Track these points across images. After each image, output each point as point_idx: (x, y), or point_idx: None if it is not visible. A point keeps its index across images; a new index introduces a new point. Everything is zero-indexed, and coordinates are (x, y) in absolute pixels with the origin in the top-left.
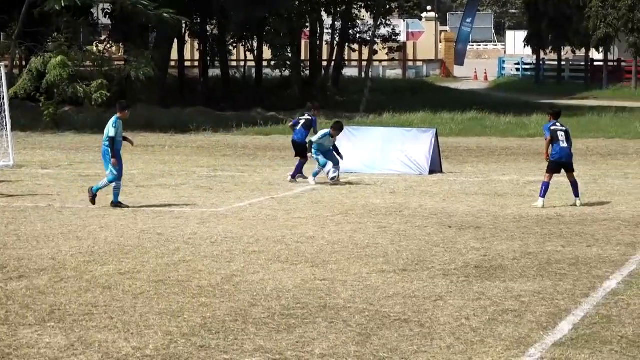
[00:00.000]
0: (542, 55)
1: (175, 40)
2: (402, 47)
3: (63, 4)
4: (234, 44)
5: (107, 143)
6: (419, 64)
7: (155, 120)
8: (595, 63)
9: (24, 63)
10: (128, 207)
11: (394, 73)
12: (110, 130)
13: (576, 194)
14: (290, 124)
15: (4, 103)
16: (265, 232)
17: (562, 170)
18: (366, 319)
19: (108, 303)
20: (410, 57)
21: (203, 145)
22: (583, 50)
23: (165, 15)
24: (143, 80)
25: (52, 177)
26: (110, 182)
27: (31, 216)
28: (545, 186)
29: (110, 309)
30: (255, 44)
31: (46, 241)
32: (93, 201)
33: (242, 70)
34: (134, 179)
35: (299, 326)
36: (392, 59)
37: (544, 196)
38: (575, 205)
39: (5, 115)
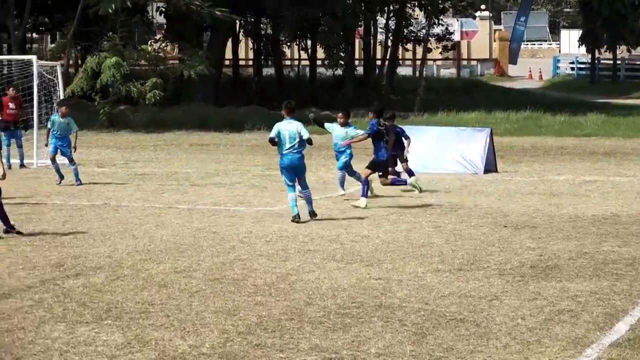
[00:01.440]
0: (597, 54)
1: (230, 40)
2: (456, 46)
3: (114, 7)
4: (288, 43)
5: None
6: (473, 63)
7: (210, 119)
8: None
9: (79, 62)
10: None
11: (448, 72)
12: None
13: None
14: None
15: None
16: (320, 231)
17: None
18: (422, 318)
19: (164, 301)
20: (465, 56)
21: (257, 144)
22: (639, 49)
23: (218, 14)
24: (197, 80)
25: (108, 175)
26: None
27: (88, 214)
28: None
29: (167, 307)
30: (309, 43)
31: (102, 239)
32: None
33: (296, 69)
34: (189, 177)
35: (355, 325)
36: (446, 58)
37: None
38: None
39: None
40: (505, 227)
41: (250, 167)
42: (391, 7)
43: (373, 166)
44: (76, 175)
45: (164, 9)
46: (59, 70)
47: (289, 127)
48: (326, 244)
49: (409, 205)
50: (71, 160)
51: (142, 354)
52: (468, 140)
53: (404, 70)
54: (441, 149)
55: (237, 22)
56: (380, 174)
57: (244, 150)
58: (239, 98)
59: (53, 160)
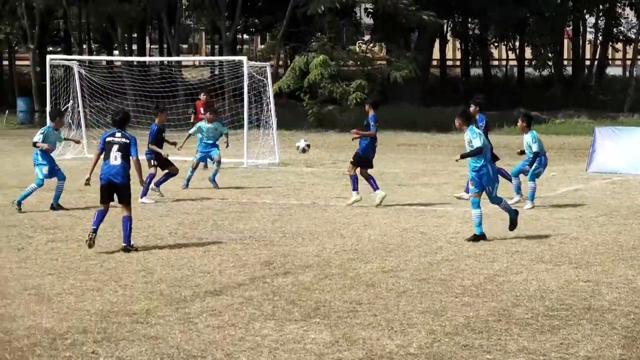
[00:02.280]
0: None
1: (437, 40)
2: None
3: (323, 8)
4: (496, 44)
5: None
6: None
7: (417, 120)
8: None
9: (288, 62)
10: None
11: None
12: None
13: None
14: None
15: (269, 102)
16: (527, 232)
17: None
18: (632, 321)
19: (372, 300)
20: None
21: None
22: None
23: (424, 17)
24: (403, 81)
25: (317, 175)
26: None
27: (296, 213)
28: None
29: (374, 307)
30: (516, 44)
31: (311, 238)
32: None
33: (504, 69)
34: (396, 177)
35: (563, 327)
36: None
37: None
38: None
39: (271, 114)
40: None
41: (458, 168)
42: (600, 7)
43: (359, 161)
44: (212, 176)
45: (371, 10)
46: (268, 70)
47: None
48: (534, 246)
49: (618, 207)
50: (219, 162)
51: (350, 353)
52: None
53: (613, 71)
54: None
55: (445, 22)
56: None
57: (451, 150)
58: (446, 98)
59: (195, 167)
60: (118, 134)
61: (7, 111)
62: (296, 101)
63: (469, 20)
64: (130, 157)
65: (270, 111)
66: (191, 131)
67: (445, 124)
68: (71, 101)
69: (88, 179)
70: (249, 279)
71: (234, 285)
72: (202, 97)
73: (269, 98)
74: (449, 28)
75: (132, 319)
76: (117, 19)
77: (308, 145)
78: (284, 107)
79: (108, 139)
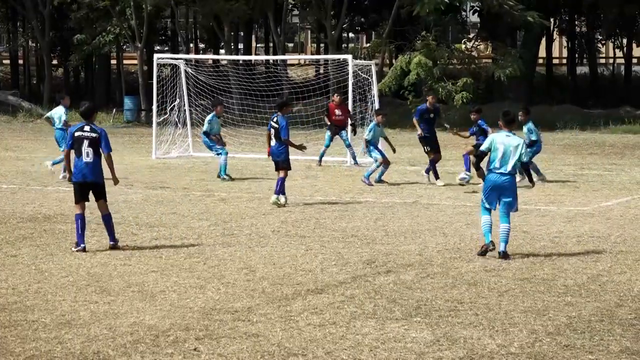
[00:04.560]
0: None
1: (543, 38)
2: None
3: (428, 10)
4: (603, 42)
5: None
6: None
7: None
8: None
9: (393, 61)
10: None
11: None
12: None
13: None
14: None
15: (374, 101)
16: (632, 232)
17: None
18: None
19: (473, 300)
20: None
21: (570, 143)
22: None
23: (530, 19)
24: (508, 79)
25: (420, 173)
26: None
27: (399, 212)
28: None
29: (476, 306)
30: (624, 41)
31: (413, 237)
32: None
33: (611, 67)
34: None
35: None
36: None
37: None
38: None
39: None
40: None
41: (563, 166)
42: None
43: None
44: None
45: (478, 8)
46: (373, 69)
47: (505, 141)
48: (639, 245)
49: None
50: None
51: (451, 352)
52: None
53: None
54: None
55: (552, 20)
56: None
57: (555, 149)
58: (552, 96)
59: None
60: (87, 128)
61: (114, 109)
62: (402, 100)
63: (576, 17)
64: (102, 153)
65: (374, 110)
66: (368, 137)
67: (551, 121)
68: (178, 100)
69: (69, 178)
70: (351, 277)
71: (336, 283)
72: (336, 98)
73: (373, 97)
74: (556, 26)
75: (233, 317)
76: (223, 18)
77: (470, 176)
78: (388, 106)
79: (77, 133)
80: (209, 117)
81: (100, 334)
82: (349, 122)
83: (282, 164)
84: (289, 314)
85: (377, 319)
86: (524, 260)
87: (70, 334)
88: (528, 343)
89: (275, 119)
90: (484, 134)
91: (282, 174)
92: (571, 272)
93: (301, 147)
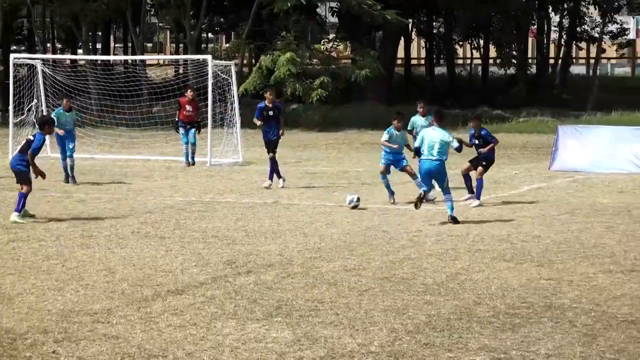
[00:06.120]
0: None
1: (402, 39)
2: (631, 44)
3: (289, 4)
4: (460, 42)
5: None
6: None
7: (382, 118)
8: None
9: (253, 61)
10: None
11: (623, 71)
12: None
13: None
14: None
15: (234, 101)
16: (490, 231)
17: None
18: (592, 319)
19: (334, 299)
20: None
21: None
22: None
23: (388, 17)
24: (367, 79)
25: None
26: None
27: (259, 212)
28: None
29: (336, 305)
30: (481, 42)
31: (273, 237)
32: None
33: (468, 68)
34: (360, 176)
35: (524, 325)
36: (621, 57)
37: None
38: None
39: (235, 113)
40: None
41: None
42: (565, 5)
43: None
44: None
45: (336, 9)
46: (233, 69)
47: (432, 134)
48: (496, 244)
49: (580, 205)
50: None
51: (312, 352)
52: None
53: (577, 69)
54: (614, 149)
55: (410, 21)
56: None
57: None
58: (411, 97)
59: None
60: None
61: None
62: (261, 100)
63: (434, 18)
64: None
65: (235, 110)
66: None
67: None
68: (35, 100)
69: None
70: (211, 278)
71: (196, 284)
72: (189, 93)
73: (233, 97)
74: (414, 27)
75: (93, 319)
76: (81, 18)
77: (358, 199)
78: (248, 107)
79: None
80: (54, 112)
81: None
82: (197, 120)
83: (21, 176)
84: (149, 315)
85: (238, 319)
86: (384, 259)
87: None
88: (388, 342)
89: (34, 134)
90: (486, 144)
91: (24, 189)
92: (430, 271)
93: (39, 173)
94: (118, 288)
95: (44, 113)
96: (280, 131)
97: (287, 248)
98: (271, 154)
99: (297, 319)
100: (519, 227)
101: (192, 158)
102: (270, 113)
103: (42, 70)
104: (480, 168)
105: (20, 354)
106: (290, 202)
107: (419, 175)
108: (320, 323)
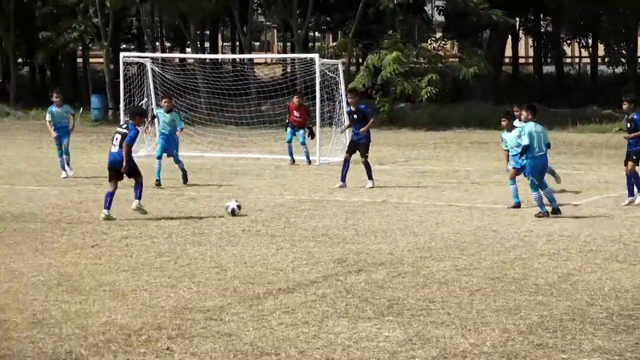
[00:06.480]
0: None
1: (509, 37)
2: None
3: (396, 2)
4: (569, 41)
5: None
6: None
7: (490, 118)
8: None
9: (360, 60)
10: None
11: None
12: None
13: None
14: None
15: (342, 100)
16: (602, 231)
17: None
18: None
19: (445, 299)
20: None
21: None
22: None
23: (494, 17)
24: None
25: (389, 172)
26: None
27: (369, 211)
28: None
29: (447, 305)
30: (590, 41)
31: (384, 236)
32: None
33: (577, 66)
34: (469, 175)
35: (638, 327)
36: None
37: None
38: None
39: (343, 112)
40: None
41: None
42: None
43: None
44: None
45: (442, 8)
46: (340, 68)
47: (537, 130)
48: (608, 244)
49: None
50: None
51: (423, 351)
52: None
53: None
54: None
55: (517, 20)
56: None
57: None
58: (519, 96)
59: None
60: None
61: (81, 108)
62: (369, 99)
63: (541, 17)
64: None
65: (343, 109)
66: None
67: None
68: (145, 98)
69: None
70: (322, 276)
71: (307, 282)
72: (295, 99)
73: (341, 96)
74: (521, 26)
75: (205, 316)
76: (189, 16)
77: (239, 207)
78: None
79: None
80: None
81: (72, 334)
82: (306, 125)
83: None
84: (261, 313)
85: (350, 318)
86: (495, 259)
87: (42, 334)
88: (500, 342)
89: (125, 126)
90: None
91: (138, 179)
92: (542, 272)
93: (127, 168)
94: (230, 285)
95: (154, 112)
96: (361, 130)
97: (398, 247)
98: (363, 159)
99: (409, 318)
100: (631, 227)
101: (307, 157)
102: (355, 117)
103: (152, 69)
104: (630, 163)
105: (135, 350)
106: (399, 201)
107: (531, 177)
108: (432, 322)
